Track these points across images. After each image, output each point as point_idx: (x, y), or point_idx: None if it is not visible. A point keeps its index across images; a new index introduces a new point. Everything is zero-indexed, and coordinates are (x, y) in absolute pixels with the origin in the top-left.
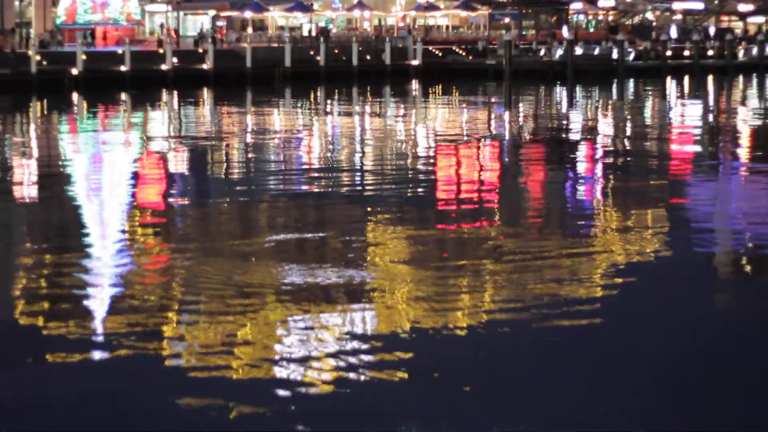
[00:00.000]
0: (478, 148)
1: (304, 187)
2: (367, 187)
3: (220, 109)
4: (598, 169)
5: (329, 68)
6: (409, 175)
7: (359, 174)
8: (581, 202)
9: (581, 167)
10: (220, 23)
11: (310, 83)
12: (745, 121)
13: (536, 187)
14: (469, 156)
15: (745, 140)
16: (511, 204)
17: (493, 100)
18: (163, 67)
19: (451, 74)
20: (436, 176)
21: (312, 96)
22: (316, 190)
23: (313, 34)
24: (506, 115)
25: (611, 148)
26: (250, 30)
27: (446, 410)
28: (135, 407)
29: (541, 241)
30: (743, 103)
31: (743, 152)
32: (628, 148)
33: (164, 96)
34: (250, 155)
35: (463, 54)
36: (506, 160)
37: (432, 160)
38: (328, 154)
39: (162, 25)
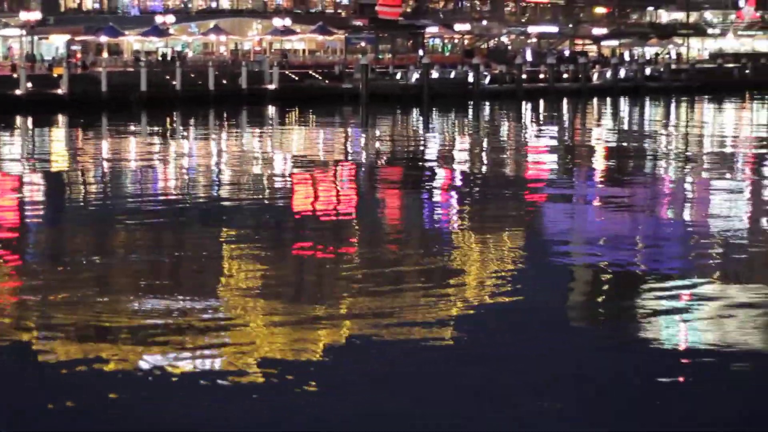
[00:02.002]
0: (334, 172)
1: (153, 213)
2: (221, 212)
3: (74, 133)
4: (452, 193)
5: (185, 92)
6: (264, 200)
7: (212, 199)
8: (434, 226)
9: (435, 192)
10: (75, 47)
11: (166, 108)
12: (599, 144)
13: (391, 212)
14: (324, 180)
15: (599, 164)
16: (365, 228)
17: (349, 123)
18: (17, 92)
19: (308, 98)
20: (291, 201)
21: (168, 120)
22: (165, 216)
23: (169, 58)
24: (363, 139)
25: (465, 172)
26: (105, 54)
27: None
28: None
29: (394, 266)
30: (597, 125)
31: (598, 176)
32: (482, 171)
33: (18, 121)
34: (100, 180)
35: (320, 78)
36: (361, 184)
37: (287, 185)
38: (181, 180)
39: (10, 48)
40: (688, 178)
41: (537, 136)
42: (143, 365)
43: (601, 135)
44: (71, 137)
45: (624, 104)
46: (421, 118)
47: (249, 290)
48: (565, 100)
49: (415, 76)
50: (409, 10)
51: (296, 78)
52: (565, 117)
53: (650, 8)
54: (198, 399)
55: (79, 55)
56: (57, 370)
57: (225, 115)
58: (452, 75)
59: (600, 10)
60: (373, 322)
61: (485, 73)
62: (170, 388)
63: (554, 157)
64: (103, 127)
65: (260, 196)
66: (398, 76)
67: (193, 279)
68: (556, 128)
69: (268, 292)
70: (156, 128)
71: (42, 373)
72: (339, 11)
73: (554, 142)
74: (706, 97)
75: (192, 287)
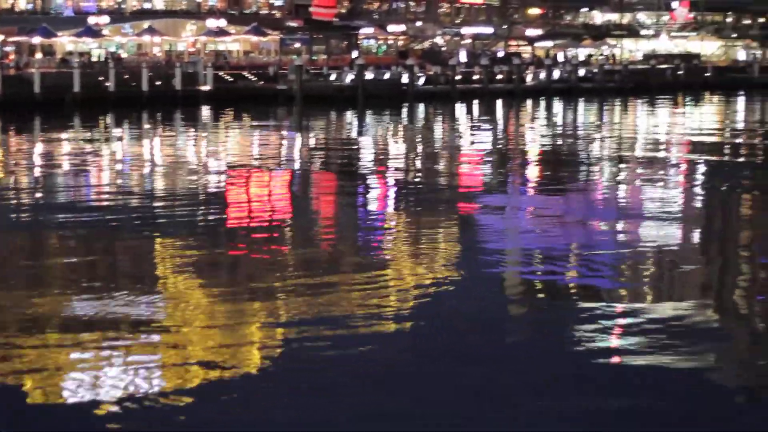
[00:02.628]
0: (269, 173)
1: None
2: (154, 215)
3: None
4: (388, 194)
5: (119, 93)
6: (199, 201)
7: (146, 201)
8: (368, 228)
9: (370, 193)
10: (7, 48)
11: (100, 109)
12: (533, 146)
13: (325, 213)
14: (259, 181)
15: (532, 166)
16: (299, 231)
17: (284, 124)
18: None
19: (243, 99)
20: (226, 201)
21: (101, 122)
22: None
23: (103, 59)
24: (297, 140)
25: (399, 176)
26: (39, 55)
27: None
28: None
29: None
30: (531, 127)
31: (532, 178)
32: (417, 173)
33: None
34: (32, 183)
35: (254, 79)
36: (296, 185)
37: (221, 186)
38: (115, 181)
39: None
40: (620, 185)
41: (471, 139)
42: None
43: (534, 137)
44: (1, 139)
45: (558, 105)
46: (355, 120)
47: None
48: (499, 101)
49: (350, 77)
50: (343, 11)
51: (230, 79)
52: (499, 118)
53: (584, 9)
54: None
55: (12, 56)
56: None
57: (158, 116)
58: (387, 76)
59: (534, 11)
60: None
61: (420, 75)
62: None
63: (487, 161)
64: (35, 128)
65: (190, 200)
66: (333, 78)
67: (123, 282)
68: (490, 130)
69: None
70: (87, 130)
71: None
72: (273, 12)
73: (488, 146)
74: (639, 98)
75: (123, 290)
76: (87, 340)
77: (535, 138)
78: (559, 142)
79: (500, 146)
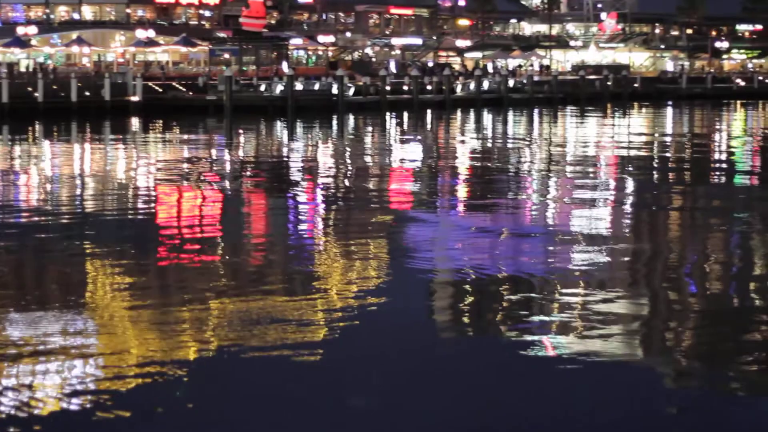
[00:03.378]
0: (198, 183)
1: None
2: (83, 227)
3: None
4: (317, 205)
5: (48, 104)
6: (128, 212)
7: (75, 213)
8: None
9: (300, 204)
10: None
11: (28, 119)
12: (462, 158)
13: (256, 224)
14: (189, 191)
15: (462, 176)
16: (229, 241)
17: (213, 135)
18: None
19: (172, 110)
20: (156, 213)
21: (29, 132)
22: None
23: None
24: (227, 151)
25: (330, 184)
26: None
27: None
28: None
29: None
30: (461, 138)
31: (461, 189)
32: (346, 185)
33: None
34: None
35: (184, 90)
36: (226, 195)
37: (151, 197)
38: (42, 193)
39: None
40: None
41: (400, 150)
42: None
43: (463, 149)
44: None
45: (487, 116)
46: (285, 131)
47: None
48: (429, 112)
49: (280, 87)
50: (273, 21)
51: (160, 90)
52: (429, 130)
53: (513, 20)
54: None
55: None
56: None
57: (87, 127)
58: (316, 87)
59: (463, 22)
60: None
61: (349, 85)
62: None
63: (415, 173)
64: None
65: (119, 210)
66: (262, 88)
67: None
68: (419, 142)
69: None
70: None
71: None
72: (203, 23)
73: (417, 157)
74: (569, 108)
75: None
76: (10, 354)
77: (464, 150)
78: (488, 154)
79: (429, 158)
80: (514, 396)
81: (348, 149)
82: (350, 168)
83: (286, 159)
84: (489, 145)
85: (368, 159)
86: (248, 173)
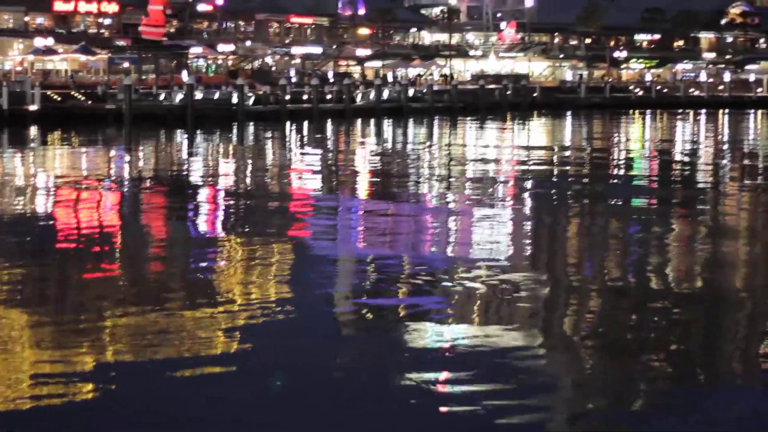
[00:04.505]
0: (98, 193)
1: None
2: None
3: None
4: (217, 213)
5: None
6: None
7: None
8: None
9: (200, 212)
10: None
11: None
12: (362, 167)
13: (155, 232)
14: (88, 201)
15: (363, 182)
16: (127, 250)
17: (112, 144)
18: None
19: (71, 119)
20: (55, 221)
21: None
22: None
23: None
24: (126, 160)
25: (231, 192)
26: None
27: None
28: None
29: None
30: (361, 147)
31: (362, 193)
32: (248, 191)
33: None
34: None
35: (83, 98)
36: (125, 205)
37: (49, 205)
38: None
39: None
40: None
41: (299, 160)
42: None
43: (363, 158)
44: None
45: (387, 125)
46: (184, 140)
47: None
48: (329, 121)
49: (179, 96)
50: (172, 30)
51: (59, 98)
52: (329, 139)
53: (413, 30)
54: None
55: None
56: None
57: None
58: (216, 96)
59: (364, 31)
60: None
61: (249, 94)
62: None
63: (315, 183)
64: None
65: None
66: (162, 97)
67: None
68: (319, 151)
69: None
70: None
71: None
72: (102, 31)
73: (317, 167)
74: (469, 117)
75: None
76: None
77: (364, 158)
78: (388, 163)
79: (329, 167)
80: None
81: (248, 158)
82: (250, 176)
83: (185, 168)
84: (388, 154)
85: (268, 167)
86: (145, 183)
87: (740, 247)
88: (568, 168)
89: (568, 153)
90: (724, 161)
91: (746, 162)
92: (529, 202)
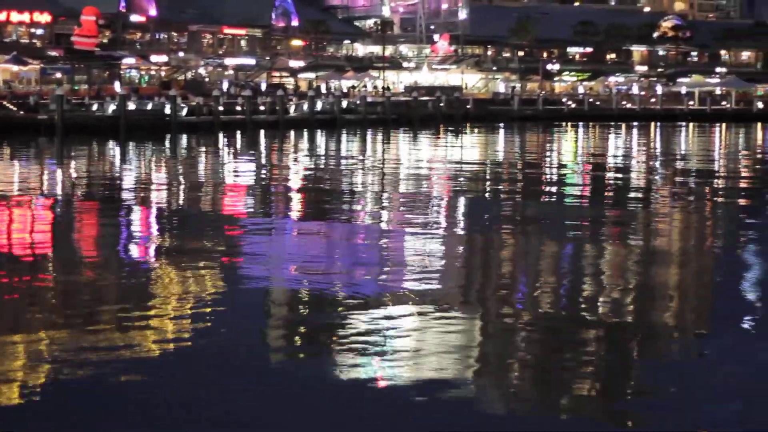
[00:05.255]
0: (29, 204)
1: None
2: None
3: None
4: (150, 225)
5: None
6: None
7: None
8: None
9: (132, 224)
10: None
11: None
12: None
13: (87, 245)
14: (17, 212)
15: (293, 201)
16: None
17: (43, 155)
18: None
19: (2, 129)
20: None
21: None
22: None
23: None
24: (58, 171)
25: (161, 205)
26: None
27: None
28: None
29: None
30: (294, 159)
31: (294, 208)
32: (177, 204)
33: None
34: None
35: (14, 109)
36: (56, 216)
37: None
38: None
39: None
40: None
41: (231, 172)
42: None
43: (296, 171)
44: None
45: (321, 137)
46: (116, 151)
47: None
48: (262, 133)
49: (112, 107)
50: (105, 41)
51: None
52: (262, 150)
53: (347, 41)
54: None
55: None
56: None
57: None
58: (149, 107)
59: (297, 42)
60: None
61: (182, 105)
62: None
63: (247, 195)
64: None
65: None
66: (95, 108)
67: None
68: (251, 163)
69: None
70: None
71: None
72: (34, 41)
73: (249, 179)
74: (402, 129)
75: None
76: None
77: (297, 171)
78: (320, 175)
79: (261, 180)
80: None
81: (180, 169)
82: (182, 188)
83: (116, 180)
84: (321, 165)
85: (200, 179)
86: (75, 194)
87: (669, 273)
88: (500, 186)
89: (500, 170)
90: (657, 178)
91: (678, 179)
92: (459, 225)
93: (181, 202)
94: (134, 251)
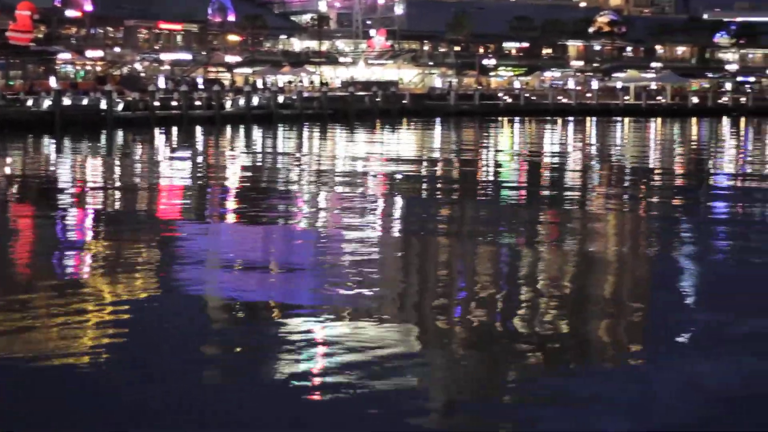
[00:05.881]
0: None
1: None
2: None
3: None
4: (83, 222)
5: None
6: None
7: None
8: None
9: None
10: None
11: None
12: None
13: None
14: None
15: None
16: None
17: None
18: None
19: None
20: None
21: None
22: None
23: None
24: None
25: (97, 202)
26: None
27: None
28: None
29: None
30: (230, 155)
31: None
32: (113, 200)
33: None
34: None
35: None
36: None
37: None
38: None
39: None
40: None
41: (167, 168)
42: None
43: (232, 166)
44: None
45: (257, 132)
46: (52, 146)
47: None
48: (198, 128)
49: (47, 102)
50: (40, 36)
51: None
52: (198, 145)
53: (283, 36)
54: None
55: None
56: None
57: None
58: (85, 102)
59: (233, 38)
60: None
61: (118, 100)
62: None
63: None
64: None
65: None
66: (29, 103)
67: None
68: (188, 159)
69: None
70: None
71: None
72: None
73: (185, 174)
74: (338, 124)
75: None
76: None
77: (233, 167)
78: (257, 171)
79: (197, 175)
80: None
81: (116, 165)
82: (118, 184)
83: (51, 176)
84: (258, 161)
85: (136, 175)
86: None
87: (604, 277)
88: (438, 185)
89: (436, 167)
90: (593, 175)
91: (614, 176)
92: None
93: (112, 201)
94: (71, 247)
